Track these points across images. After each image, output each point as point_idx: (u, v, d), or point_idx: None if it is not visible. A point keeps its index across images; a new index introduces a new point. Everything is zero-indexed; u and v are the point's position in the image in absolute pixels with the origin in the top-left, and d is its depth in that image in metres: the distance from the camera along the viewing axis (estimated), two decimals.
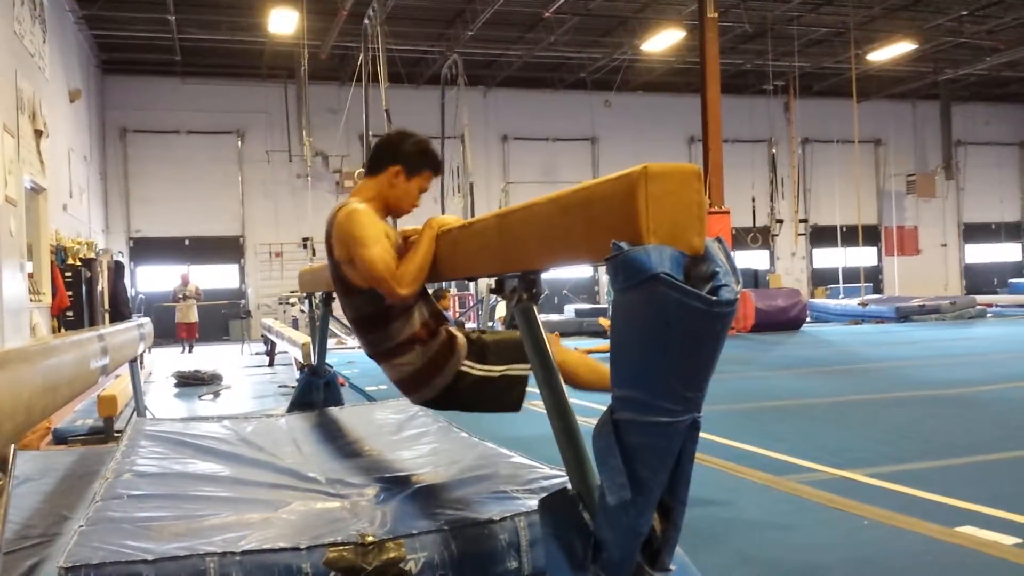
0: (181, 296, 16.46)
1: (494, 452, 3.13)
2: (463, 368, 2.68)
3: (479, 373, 2.69)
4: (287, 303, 15.94)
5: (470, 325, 15.51)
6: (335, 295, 4.51)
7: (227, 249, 20.77)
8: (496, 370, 2.70)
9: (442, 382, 2.67)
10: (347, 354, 12.58)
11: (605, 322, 14.03)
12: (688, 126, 22.31)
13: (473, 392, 2.71)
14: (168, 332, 16.11)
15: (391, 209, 2.78)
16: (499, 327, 13.82)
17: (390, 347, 2.67)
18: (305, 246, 20.46)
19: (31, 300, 9.83)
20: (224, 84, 20.37)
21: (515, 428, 5.58)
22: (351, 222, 2.62)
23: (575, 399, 2.19)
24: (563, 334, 13.76)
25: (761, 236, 21.57)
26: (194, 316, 16.46)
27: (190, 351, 15.76)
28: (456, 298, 18.60)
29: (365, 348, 2.81)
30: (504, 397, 2.73)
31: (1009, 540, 2.88)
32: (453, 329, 2.76)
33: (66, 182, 13.34)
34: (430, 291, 2.80)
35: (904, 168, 25.66)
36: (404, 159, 2.71)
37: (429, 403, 2.79)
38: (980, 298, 19.94)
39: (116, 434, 5.13)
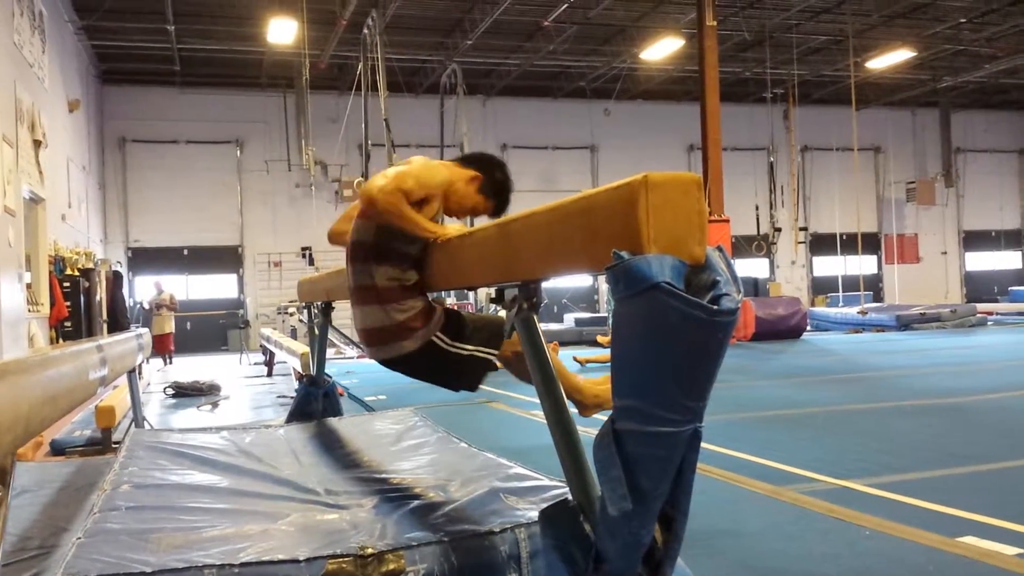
0: (154, 306, 15.57)
1: (494, 463, 3.11)
2: (434, 339, 2.67)
3: (449, 348, 2.68)
4: (286, 313, 15.80)
5: None
6: (332, 303, 4.50)
7: (226, 259, 20.78)
8: (467, 349, 2.70)
9: (409, 346, 2.66)
10: (346, 364, 12.57)
11: (603, 339, 14.01)
12: (687, 134, 22.35)
13: (437, 364, 2.70)
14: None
15: (446, 198, 2.77)
16: None
17: (373, 285, 2.65)
18: (304, 256, 20.44)
19: (29, 310, 9.83)
20: (223, 94, 20.42)
21: (515, 438, 5.58)
22: (416, 168, 2.64)
23: (576, 410, 2.18)
24: (562, 343, 13.75)
25: (764, 244, 21.57)
26: (169, 327, 15.50)
27: (170, 363, 15.06)
28: (454, 307, 18.57)
29: (354, 276, 2.75)
30: (466, 376, 2.73)
31: (1011, 550, 2.87)
32: (436, 302, 2.76)
33: (65, 192, 13.35)
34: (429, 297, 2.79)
35: (904, 176, 25.69)
36: (488, 176, 2.78)
37: (388, 363, 2.75)
38: (980, 306, 19.93)
39: (114, 445, 5.11)
